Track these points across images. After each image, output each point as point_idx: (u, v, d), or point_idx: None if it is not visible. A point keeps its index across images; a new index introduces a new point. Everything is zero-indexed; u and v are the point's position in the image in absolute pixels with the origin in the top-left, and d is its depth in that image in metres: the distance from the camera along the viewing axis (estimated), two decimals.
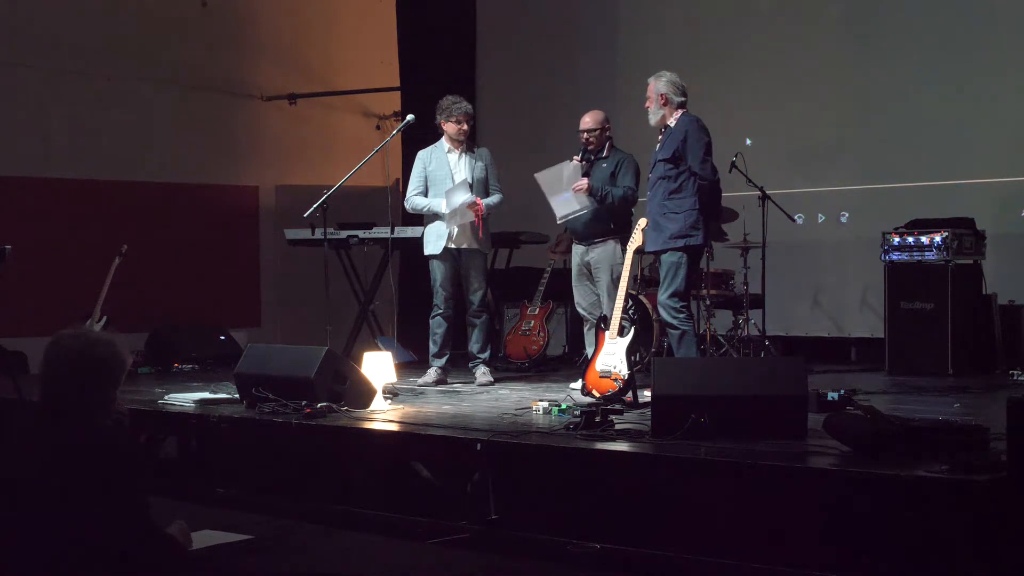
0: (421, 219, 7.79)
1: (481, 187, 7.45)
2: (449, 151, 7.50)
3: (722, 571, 4.27)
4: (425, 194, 7.49)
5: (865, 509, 4.08)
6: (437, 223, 7.45)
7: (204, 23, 10.76)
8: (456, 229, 7.39)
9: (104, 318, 8.33)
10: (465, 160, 7.47)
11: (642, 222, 6.53)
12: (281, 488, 5.60)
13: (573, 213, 7.10)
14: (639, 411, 5.85)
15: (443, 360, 7.56)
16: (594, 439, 5.02)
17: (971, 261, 7.92)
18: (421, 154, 7.60)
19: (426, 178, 7.50)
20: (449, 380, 7.57)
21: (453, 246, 7.44)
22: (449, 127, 7.44)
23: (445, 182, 7.41)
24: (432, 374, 7.50)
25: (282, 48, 11.38)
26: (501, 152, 8.13)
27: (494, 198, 7.50)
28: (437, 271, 7.50)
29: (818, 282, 9.27)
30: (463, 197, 7.30)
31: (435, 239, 7.46)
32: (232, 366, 6.73)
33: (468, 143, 7.54)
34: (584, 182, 7.04)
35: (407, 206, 7.66)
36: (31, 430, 3.36)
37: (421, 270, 7.89)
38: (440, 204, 7.35)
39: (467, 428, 5.49)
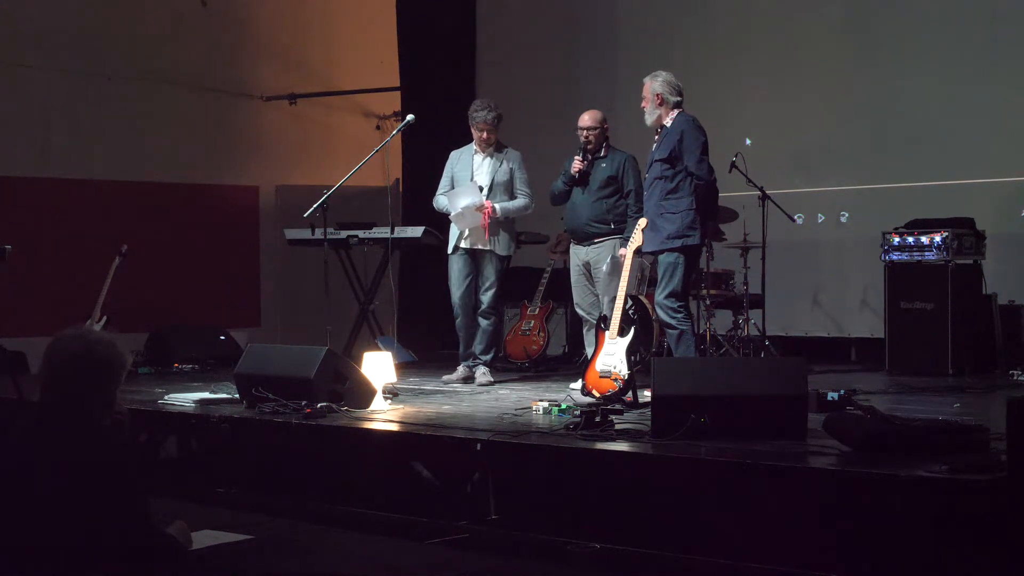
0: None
1: (503, 190, 7.47)
2: (476, 153, 7.54)
3: (722, 571, 4.26)
4: None
5: (865, 509, 4.08)
6: None
7: (204, 23, 10.74)
8: (468, 229, 7.43)
9: (104, 318, 8.32)
10: (489, 162, 7.50)
11: (642, 222, 6.52)
12: (281, 488, 5.59)
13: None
14: (639, 411, 5.85)
15: (471, 359, 7.63)
16: (594, 439, 5.02)
17: (971, 261, 7.91)
18: (452, 154, 7.67)
19: (452, 178, 7.56)
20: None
21: (466, 245, 7.49)
22: (473, 132, 7.49)
23: (466, 183, 7.46)
24: (460, 371, 7.62)
25: (282, 48, 11.37)
26: None
27: (516, 201, 7.49)
28: (452, 269, 7.58)
29: (818, 282, 9.26)
30: (467, 200, 7.31)
31: (451, 238, 7.55)
32: (232, 366, 6.72)
33: (498, 145, 7.56)
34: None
35: (434, 205, 7.71)
36: (31, 430, 3.36)
37: (421, 270, 7.90)
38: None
39: (467, 428, 5.49)
